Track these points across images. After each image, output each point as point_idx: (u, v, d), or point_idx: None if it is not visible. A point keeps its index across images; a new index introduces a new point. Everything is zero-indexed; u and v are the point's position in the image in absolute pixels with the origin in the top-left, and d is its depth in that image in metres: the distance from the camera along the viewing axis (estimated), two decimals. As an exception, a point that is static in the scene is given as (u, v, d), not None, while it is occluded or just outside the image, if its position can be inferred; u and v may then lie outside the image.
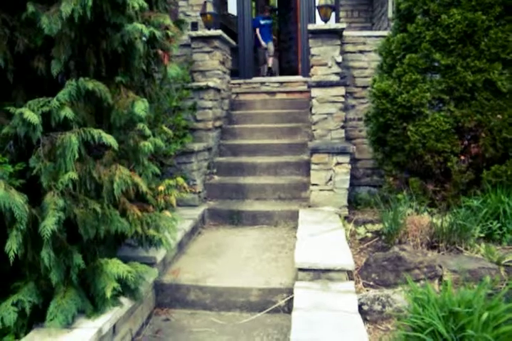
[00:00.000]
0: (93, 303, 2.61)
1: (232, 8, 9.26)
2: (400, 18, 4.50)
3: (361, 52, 5.69)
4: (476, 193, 4.12)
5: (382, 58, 4.68)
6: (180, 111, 5.11)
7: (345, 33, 5.54)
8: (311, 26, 5.48)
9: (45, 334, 2.37)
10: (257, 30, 9.74)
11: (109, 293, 2.48)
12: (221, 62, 6.03)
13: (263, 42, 9.86)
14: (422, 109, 4.20)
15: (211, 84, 5.47)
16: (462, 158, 4.16)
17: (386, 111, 4.39)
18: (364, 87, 5.62)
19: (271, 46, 10.07)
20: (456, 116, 4.10)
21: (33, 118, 2.28)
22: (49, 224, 2.12)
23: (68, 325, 2.44)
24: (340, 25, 5.43)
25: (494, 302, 2.29)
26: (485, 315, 2.12)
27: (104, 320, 2.55)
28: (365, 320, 2.78)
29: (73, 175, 2.34)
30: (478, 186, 4.17)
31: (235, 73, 7.74)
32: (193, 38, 5.84)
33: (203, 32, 5.93)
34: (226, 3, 10.51)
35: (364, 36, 5.71)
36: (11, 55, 2.64)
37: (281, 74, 10.50)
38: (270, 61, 10.03)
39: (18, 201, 2.03)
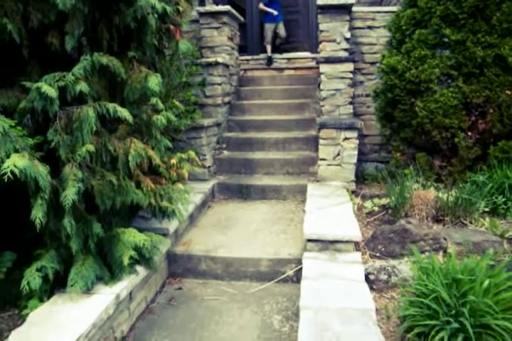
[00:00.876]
0: (110, 271, 2.74)
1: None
2: (411, -8, 4.47)
3: (370, 28, 5.66)
4: (482, 169, 4.18)
5: (392, 34, 4.68)
6: (189, 86, 5.15)
7: (354, 8, 5.51)
8: (320, 1, 5.44)
9: (66, 299, 2.50)
10: (261, 4, 8.05)
11: (126, 261, 2.60)
12: (229, 38, 6.03)
13: (274, 12, 7.97)
14: (430, 84, 4.22)
15: (220, 60, 5.48)
16: (469, 133, 4.20)
17: (394, 86, 4.41)
18: (372, 63, 5.62)
19: (282, 27, 8.20)
20: (465, 91, 4.12)
21: (51, 92, 2.34)
22: (70, 194, 2.22)
23: (88, 290, 2.57)
24: (349, 1, 5.38)
25: (496, 271, 2.38)
26: (486, 282, 2.21)
27: (122, 287, 2.67)
28: (371, 288, 2.89)
29: (90, 147, 2.42)
30: (485, 162, 4.22)
31: (243, 49, 7.72)
32: (201, 14, 5.83)
33: (211, 8, 5.91)
34: (234, -23, 10.35)
35: (373, 12, 5.68)
36: (25, 30, 2.68)
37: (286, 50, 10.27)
38: (269, 48, 8.07)
39: (42, 171, 2.11)
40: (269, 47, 8.09)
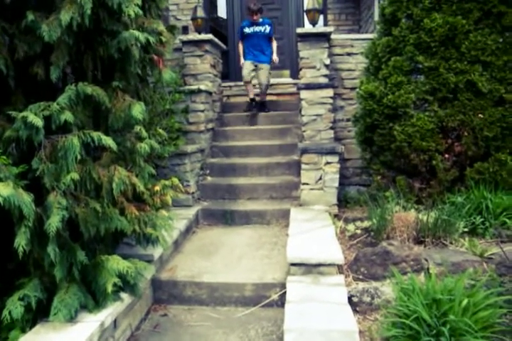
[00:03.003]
0: (94, 299, 2.73)
1: (222, 12, 9.31)
2: (385, 22, 4.65)
3: (349, 54, 5.84)
4: (460, 190, 4.28)
5: (369, 61, 4.84)
6: (173, 114, 5.23)
7: (333, 36, 5.69)
8: (299, 30, 5.61)
9: (49, 328, 2.48)
10: (240, 44, 6.92)
11: (110, 288, 2.60)
12: (212, 65, 6.16)
13: (243, 61, 6.76)
14: (407, 109, 4.36)
15: (203, 87, 5.60)
16: (446, 156, 4.33)
17: (373, 111, 4.54)
18: (352, 89, 5.77)
19: (264, 72, 6.58)
20: (440, 115, 4.26)
21: (37, 121, 2.39)
22: (54, 222, 2.24)
23: (71, 319, 2.55)
24: (328, 29, 5.58)
25: (474, 290, 2.44)
26: (465, 302, 2.27)
27: (106, 314, 2.66)
28: (355, 311, 2.92)
29: (75, 175, 2.45)
30: (462, 183, 4.33)
31: (225, 76, 7.87)
32: (184, 42, 5.97)
33: (194, 36, 6.06)
34: (216, 6, 10.62)
35: (351, 39, 5.87)
36: (11, 61, 2.75)
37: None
38: (249, 91, 6.68)
39: (26, 199, 2.14)
40: (249, 89, 6.67)
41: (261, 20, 6.66)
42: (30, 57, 2.82)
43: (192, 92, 5.52)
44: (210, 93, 5.95)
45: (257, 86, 6.79)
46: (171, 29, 3.97)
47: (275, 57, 6.78)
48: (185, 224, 4.43)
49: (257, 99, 6.80)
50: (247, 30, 6.70)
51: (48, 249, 2.28)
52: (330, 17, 8.55)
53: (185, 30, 8.33)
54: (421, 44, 4.28)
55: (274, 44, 6.86)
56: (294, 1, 8.45)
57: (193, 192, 5.15)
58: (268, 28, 6.67)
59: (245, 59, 6.73)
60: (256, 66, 6.62)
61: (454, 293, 2.38)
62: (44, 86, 2.93)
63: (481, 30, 4.14)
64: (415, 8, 4.31)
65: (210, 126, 6.00)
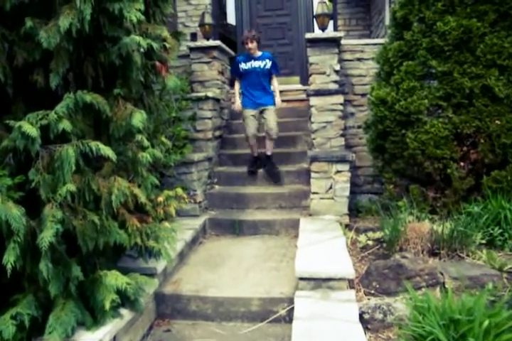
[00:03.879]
0: (93, 315, 2.61)
1: (231, 18, 9.27)
2: (396, 26, 4.52)
3: (359, 60, 5.71)
4: (476, 199, 4.11)
5: (380, 66, 4.71)
6: (179, 121, 5.14)
7: (343, 41, 5.58)
8: (309, 35, 5.51)
9: (44, 348, 2.37)
10: (236, 83, 5.64)
11: (107, 305, 2.48)
12: (220, 72, 6.08)
13: (238, 106, 5.50)
14: (420, 115, 4.21)
15: (210, 94, 5.50)
16: (462, 164, 4.16)
17: (385, 118, 4.40)
18: (363, 95, 5.64)
19: (271, 114, 5.37)
20: (455, 122, 4.10)
21: (32, 131, 2.30)
22: (47, 236, 2.13)
23: (67, 337, 2.43)
24: (338, 34, 5.47)
25: (496, 309, 2.28)
26: (486, 323, 2.11)
27: (104, 332, 2.54)
28: (366, 328, 2.77)
29: (71, 187, 2.35)
30: (479, 192, 4.16)
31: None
32: (191, 49, 5.89)
33: (201, 42, 5.99)
34: (225, 13, 10.59)
35: (362, 44, 5.75)
36: (10, 69, 2.67)
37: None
38: (254, 147, 5.49)
39: (15, 213, 2.04)
40: (254, 145, 5.46)
41: (260, 53, 5.41)
42: (29, 65, 2.74)
43: (199, 99, 5.43)
44: (217, 100, 5.85)
45: (264, 134, 5.49)
46: (176, 35, 3.88)
47: (278, 100, 5.50)
48: (191, 235, 4.32)
49: (266, 152, 5.54)
50: (243, 66, 5.40)
51: (40, 265, 2.17)
52: (340, 22, 8.43)
53: (193, 37, 8.27)
54: (434, 48, 4.14)
55: (276, 83, 5.59)
56: (303, 7, 8.35)
57: (200, 202, 5.04)
58: (269, 64, 5.38)
59: (243, 104, 5.47)
60: (261, 111, 5.44)
61: (474, 312, 2.22)
62: (45, 94, 2.84)
63: (497, 33, 3.98)
64: (428, 11, 4.17)
65: (217, 133, 5.90)
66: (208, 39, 6.08)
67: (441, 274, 3.22)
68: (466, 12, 4.02)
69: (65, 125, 2.47)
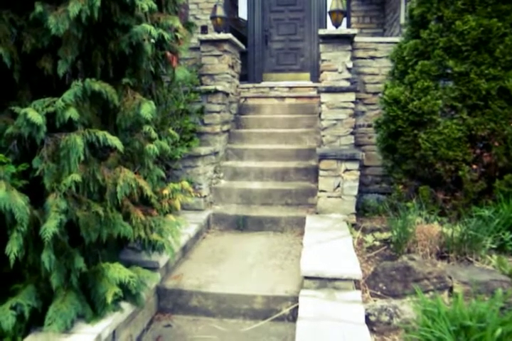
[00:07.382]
0: (93, 308, 2.56)
1: (243, 13, 9.17)
2: (413, 24, 4.43)
3: (372, 58, 5.62)
4: (487, 203, 4.02)
5: (394, 64, 4.62)
6: (187, 114, 5.06)
7: (356, 38, 5.49)
8: (322, 31, 5.43)
9: (43, 339, 2.32)
10: None
11: (109, 298, 2.43)
12: (230, 65, 5.99)
13: None
14: (433, 116, 4.12)
15: (219, 87, 5.43)
16: (474, 166, 4.07)
17: (397, 118, 4.31)
18: (375, 93, 5.55)
19: None
20: (469, 124, 4.01)
21: (37, 118, 2.24)
22: (50, 227, 2.07)
23: (67, 329, 2.39)
24: (351, 31, 5.38)
25: (508, 317, 2.20)
26: (499, 331, 2.03)
27: (104, 326, 2.49)
28: (371, 330, 2.71)
29: (76, 177, 2.29)
30: (490, 196, 4.07)
31: (244, 77, 7.71)
32: (202, 41, 5.81)
33: (212, 35, 5.90)
34: (237, 7, 10.49)
35: (375, 42, 5.65)
36: (17, 54, 2.61)
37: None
38: None
39: (20, 202, 1.98)
40: None
41: None
42: (37, 51, 2.68)
43: (208, 92, 5.35)
44: (226, 94, 5.78)
45: None
46: (188, 26, 3.82)
47: None
48: (195, 229, 4.25)
49: None
50: None
51: (43, 255, 2.12)
52: (353, 19, 8.33)
53: (204, 29, 8.19)
54: (451, 48, 4.04)
55: None
56: (316, 3, 8.24)
57: (205, 196, 4.97)
58: None
59: None
60: None
61: (485, 319, 2.15)
62: (52, 81, 2.78)
63: (517, 34, 3.88)
64: (446, 10, 4.07)
65: (225, 127, 5.82)
66: (219, 32, 5.99)
67: (450, 278, 3.14)
68: (487, 11, 3.91)
69: (72, 113, 2.41)
